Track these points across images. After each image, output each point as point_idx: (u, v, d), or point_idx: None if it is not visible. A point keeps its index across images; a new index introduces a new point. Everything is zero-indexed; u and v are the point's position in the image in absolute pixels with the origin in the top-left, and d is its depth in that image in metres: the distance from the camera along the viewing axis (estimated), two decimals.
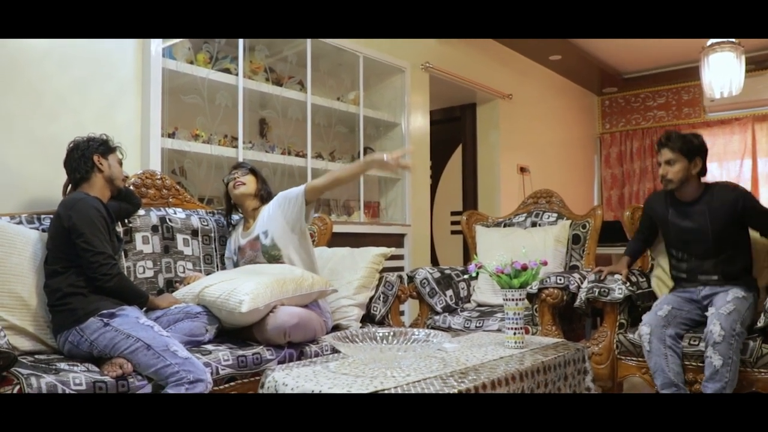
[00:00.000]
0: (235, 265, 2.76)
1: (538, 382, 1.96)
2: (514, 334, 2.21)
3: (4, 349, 1.69)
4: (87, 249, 2.05)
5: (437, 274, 3.44)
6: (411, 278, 3.40)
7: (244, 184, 2.74)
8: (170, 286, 2.62)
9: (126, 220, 2.55)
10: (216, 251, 2.87)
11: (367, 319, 2.89)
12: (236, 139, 3.36)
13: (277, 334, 2.25)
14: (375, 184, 4.51)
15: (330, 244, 3.21)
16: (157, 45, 2.97)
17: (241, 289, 2.21)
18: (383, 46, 4.27)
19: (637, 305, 2.89)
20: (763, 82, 6.26)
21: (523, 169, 5.92)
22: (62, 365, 1.89)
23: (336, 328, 2.67)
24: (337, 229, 3.49)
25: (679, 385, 2.52)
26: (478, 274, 2.41)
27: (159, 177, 2.82)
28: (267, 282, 2.27)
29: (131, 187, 2.61)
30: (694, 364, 2.57)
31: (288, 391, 1.68)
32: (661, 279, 2.96)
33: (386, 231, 4.27)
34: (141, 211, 2.62)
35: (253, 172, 2.81)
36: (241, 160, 3.27)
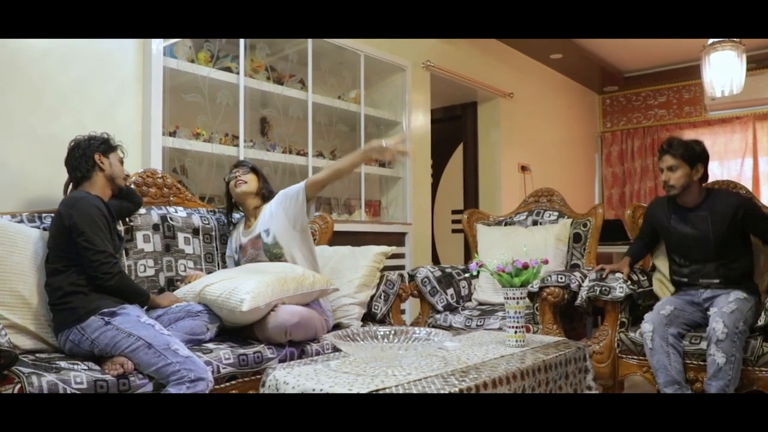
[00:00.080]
0: (237, 263, 2.76)
1: (539, 381, 1.96)
2: (515, 332, 2.21)
3: (5, 347, 1.69)
4: (88, 248, 2.05)
5: (438, 273, 3.44)
6: (412, 277, 3.40)
7: (245, 182, 2.74)
8: (171, 284, 2.62)
9: (127, 219, 2.55)
10: (217, 250, 2.87)
11: (368, 317, 2.89)
12: (237, 137, 3.36)
13: (278, 333, 2.25)
14: (376, 182, 4.51)
15: (331, 243, 3.21)
16: (158, 44, 2.96)
17: (242, 287, 2.21)
18: (384, 44, 4.27)
19: (638, 304, 2.89)
20: (764, 81, 6.25)
21: (524, 168, 5.91)
22: (63, 364, 1.89)
23: (337, 326, 2.68)
24: (338, 227, 3.49)
25: (682, 383, 2.52)
26: (479, 272, 2.41)
27: (160, 176, 2.82)
28: (268, 281, 2.27)
29: (132, 186, 2.61)
30: (695, 362, 2.57)
31: (289, 389, 1.68)
32: (662, 282, 2.97)
33: (387, 230, 4.27)
34: (142, 210, 2.62)
35: (254, 170, 2.81)
36: (242, 158, 3.27)
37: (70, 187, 2.31)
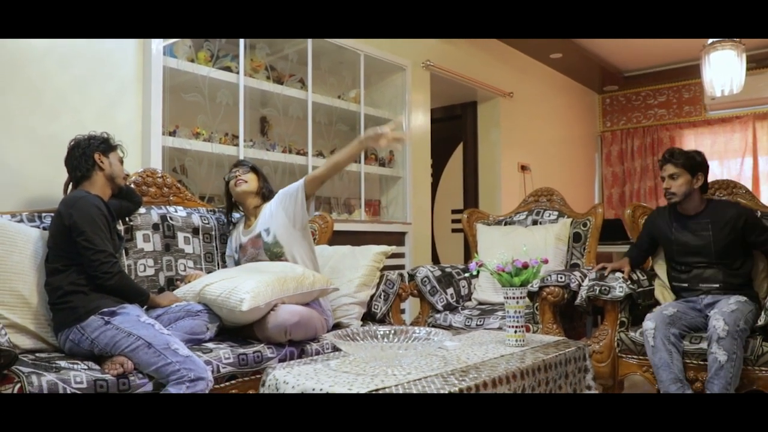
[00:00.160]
0: (237, 262, 2.76)
1: (539, 380, 1.96)
2: (515, 332, 2.21)
3: (5, 347, 1.69)
4: (88, 247, 2.05)
5: (438, 273, 3.44)
6: (412, 276, 3.40)
7: (245, 182, 2.74)
8: (171, 284, 2.62)
9: (127, 219, 2.55)
10: (217, 249, 2.87)
11: (368, 317, 2.89)
12: (237, 137, 3.36)
13: (278, 333, 2.25)
14: (376, 182, 4.51)
15: (331, 243, 3.21)
16: (157, 43, 2.96)
17: (241, 287, 2.21)
18: (384, 44, 4.27)
19: (638, 304, 2.89)
20: (764, 81, 6.25)
21: (524, 168, 5.91)
22: (63, 363, 1.89)
23: (337, 326, 2.68)
24: (338, 227, 3.49)
25: (684, 381, 2.52)
26: (479, 272, 2.41)
27: (160, 175, 2.82)
28: (268, 280, 2.27)
29: (132, 186, 2.61)
30: (695, 362, 2.57)
31: (289, 389, 1.68)
32: (663, 288, 2.97)
33: (387, 229, 4.27)
34: (142, 210, 2.62)
35: (254, 170, 2.81)
36: (242, 158, 3.27)
37: (70, 186, 2.31)
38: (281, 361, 2.23)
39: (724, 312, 2.48)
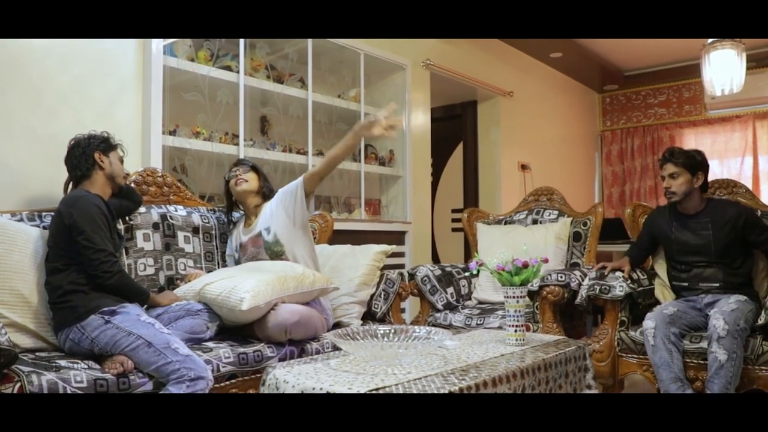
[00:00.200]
0: (237, 262, 2.76)
1: (539, 380, 1.96)
2: (515, 331, 2.21)
3: (5, 346, 1.69)
4: (88, 246, 2.05)
5: (438, 272, 3.44)
6: (412, 275, 3.40)
7: (246, 181, 2.74)
8: (171, 283, 2.63)
9: (127, 218, 2.55)
10: (217, 248, 2.87)
11: (368, 316, 2.89)
12: (237, 136, 3.36)
13: (278, 332, 2.25)
14: (376, 181, 4.51)
15: (331, 242, 3.21)
16: (157, 43, 2.96)
17: (241, 286, 2.21)
18: (384, 43, 4.27)
19: (638, 303, 2.89)
20: (764, 80, 6.24)
21: (524, 167, 5.91)
22: (63, 363, 1.90)
23: (337, 325, 2.68)
24: (338, 226, 3.49)
25: (684, 380, 2.53)
26: (479, 271, 2.41)
27: (160, 174, 2.82)
28: (268, 279, 2.28)
29: (132, 185, 2.61)
30: (695, 361, 2.57)
31: (289, 388, 1.68)
32: (663, 287, 2.97)
33: (387, 228, 4.27)
34: (142, 209, 2.62)
35: (254, 169, 2.81)
36: (242, 157, 3.27)
37: (70, 185, 2.31)
38: (281, 360, 2.23)
39: (724, 311, 2.48)
